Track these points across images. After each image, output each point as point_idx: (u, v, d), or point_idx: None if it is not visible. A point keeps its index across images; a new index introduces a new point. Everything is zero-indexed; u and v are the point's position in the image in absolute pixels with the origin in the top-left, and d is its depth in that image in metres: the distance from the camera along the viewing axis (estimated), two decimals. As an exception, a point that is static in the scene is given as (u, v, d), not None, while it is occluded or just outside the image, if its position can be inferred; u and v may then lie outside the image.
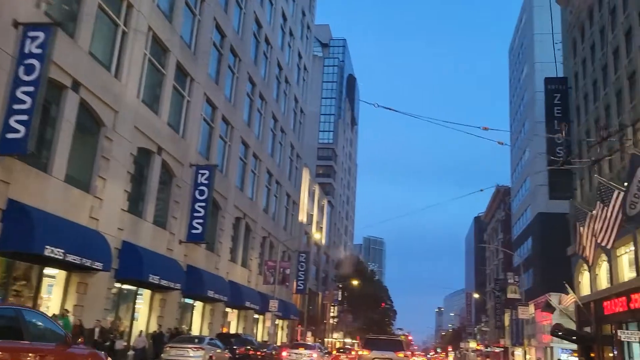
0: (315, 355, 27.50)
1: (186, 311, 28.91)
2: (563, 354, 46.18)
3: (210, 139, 30.71)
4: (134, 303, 23.53)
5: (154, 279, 21.77)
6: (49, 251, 15.59)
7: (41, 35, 15.21)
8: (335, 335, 78.97)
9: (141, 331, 22.50)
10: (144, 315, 24.07)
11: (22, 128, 14.65)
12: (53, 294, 18.24)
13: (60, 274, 18.27)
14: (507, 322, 68.85)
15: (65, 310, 17.59)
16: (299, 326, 54.77)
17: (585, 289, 38.91)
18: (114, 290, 21.15)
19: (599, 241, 25.82)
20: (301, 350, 28.29)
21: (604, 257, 34.57)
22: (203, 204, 26.91)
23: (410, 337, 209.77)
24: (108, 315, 20.62)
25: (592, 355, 35.52)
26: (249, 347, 26.78)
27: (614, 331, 31.81)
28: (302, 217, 59.87)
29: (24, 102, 14.82)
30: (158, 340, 22.55)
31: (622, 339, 27.13)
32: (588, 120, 37.82)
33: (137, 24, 21.71)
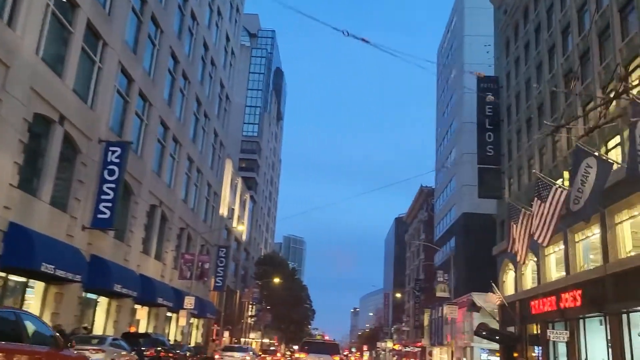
0: (248, 358, 26.87)
1: (88, 307, 25.39)
2: (483, 353, 46.20)
3: (124, 115, 27.30)
4: (23, 297, 19.94)
5: (47, 268, 18.39)
6: None
7: None
8: (252, 335, 76.20)
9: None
10: (34, 311, 20.46)
11: None
12: None
13: None
14: (426, 321, 69.11)
15: None
16: (215, 325, 51.66)
17: (509, 289, 38.78)
18: (-4, 281, 17.62)
19: (535, 238, 25.00)
20: (234, 354, 27.61)
21: (531, 256, 34.35)
22: (112, 186, 23.60)
23: (326, 337, 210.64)
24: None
25: (515, 355, 35.24)
26: (159, 349, 23.79)
27: (539, 331, 31.54)
28: (223, 210, 56.80)
29: None
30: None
31: (551, 339, 26.60)
32: (519, 119, 37.67)
33: (39, -34, 18.27)
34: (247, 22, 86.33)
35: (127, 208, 27.90)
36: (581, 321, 26.73)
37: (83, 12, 21.89)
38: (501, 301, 35.22)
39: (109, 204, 23.37)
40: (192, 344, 40.54)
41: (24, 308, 19.61)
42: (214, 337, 50.07)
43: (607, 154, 29.36)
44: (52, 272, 18.77)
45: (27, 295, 20.15)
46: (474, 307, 38.50)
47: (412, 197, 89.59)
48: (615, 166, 20.94)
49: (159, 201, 32.43)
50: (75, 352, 10.39)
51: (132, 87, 27.77)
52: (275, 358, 40.02)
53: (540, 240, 24.71)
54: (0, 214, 17.13)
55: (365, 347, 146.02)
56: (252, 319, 72.61)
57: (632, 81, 23.22)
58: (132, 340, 21.83)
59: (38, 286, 20.65)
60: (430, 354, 64.27)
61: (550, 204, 24.41)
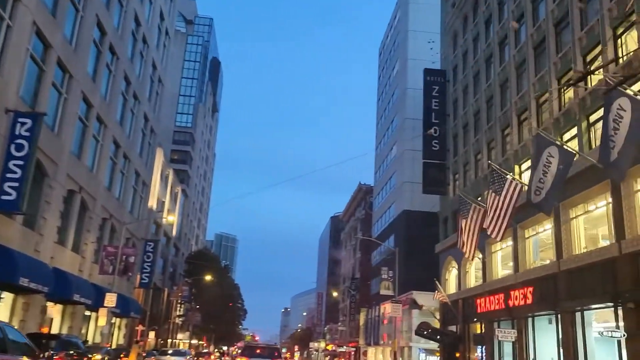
0: None
1: (-13, 305, 21.86)
2: (421, 354, 45.24)
3: (39, 84, 23.84)
4: None
5: None
6: None
7: None
8: (180, 336, 72.39)
9: None
10: None
11: None
12: None
13: None
14: (362, 321, 67.95)
15: None
16: (140, 326, 48.00)
17: (452, 287, 37.85)
18: None
19: (488, 232, 23.80)
20: (171, 358, 27.25)
21: (476, 253, 33.42)
22: (21, 163, 20.26)
23: (257, 338, 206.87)
24: None
25: (457, 355, 34.23)
26: (72, 352, 20.61)
27: (484, 330, 30.57)
28: (153, 202, 53.15)
29: None
30: None
31: (499, 338, 25.49)
32: (467, 113, 36.80)
33: None
34: (183, 8, 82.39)
35: (39, 192, 24.45)
36: (529, 320, 25.82)
37: (-12, -45, 18.56)
38: (445, 300, 34.14)
39: (16, 184, 20.03)
40: (114, 346, 37.12)
41: None
42: (138, 339, 46.48)
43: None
44: None
45: None
46: (415, 306, 37.30)
47: (349, 196, 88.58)
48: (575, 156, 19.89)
49: (78, 187, 28.96)
50: None
51: (50, 54, 24.33)
52: None
53: (493, 235, 23.54)
54: None
55: (296, 348, 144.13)
56: (181, 319, 68.90)
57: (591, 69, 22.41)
58: (39, 342, 18.62)
59: None
60: (365, 354, 63.11)
61: (505, 197, 23.27)
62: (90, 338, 33.10)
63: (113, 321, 38.18)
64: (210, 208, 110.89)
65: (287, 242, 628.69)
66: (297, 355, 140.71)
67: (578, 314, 21.75)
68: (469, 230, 27.30)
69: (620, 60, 20.48)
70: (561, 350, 22.82)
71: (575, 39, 23.32)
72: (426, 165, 39.59)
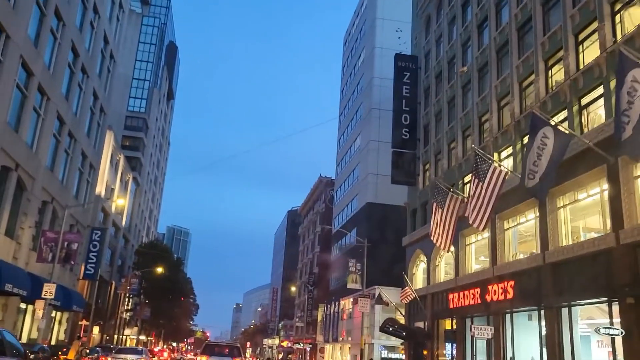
0: (143, 359, 26.34)
1: None
2: (383, 351, 43.61)
3: (-33, 40, 20.66)
4: None
5: None
6: None
7: None
8: (127, 331, 68.61)
9: None
10: None
11: None
12: None
13: None
14: (320, 317, 66.00)
15: None
16: (84, 320, 44.53)
17: (419, 282, 36.26)
18: None
19: (470, 222, 22.13)
20: (127, 356, 27.11)
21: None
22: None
23: (208, 334, 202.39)
24: None
25: (424, 352, 32.64)
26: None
27: (455, 326, 29.03)
28: (101, 189, 49.58)
29: None
30: None
31: (475, 335, 23.89)
32: (440, 100, 35.20)
33: None
34: (140, -13, 78.41)
35: (-35, 165, 21.25)
36: (507, 316, 24.31)
37: None
38: (411, 296, 32.44)
39: None
40: (53, 342, 33.82)
41: None
42: (81, 334, 43.06)
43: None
44: None
45: None
46: (380, 301, 35.53)
47: (306, 194, 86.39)
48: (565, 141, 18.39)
49: (14, 163, 25.71)
50: None
51: (-19, 6, 21.14)
52: (163, 358, 36.18)
53: (475, 224, 21.90)
54: None
55: (248, 344, 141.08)
56: (129, 314, 65.18)
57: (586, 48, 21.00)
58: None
59: None
60: (322, 350, 61.18)
61: (488, 183, 21.66)
62: (25, 333, 29.84)
63: (53, 315, 34.86)
64: (163, 199, 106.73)
65: (241, 239, 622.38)
66: (248, 352, 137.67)
67: (564, 310, 20.29)
68: (445, 220, 25.65)
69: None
70: (544, 348, 21.36)
71: (567, 16, 21.85)
72: (395, 154, 37.86)
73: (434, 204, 26.30)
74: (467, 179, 30.06)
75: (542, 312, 21.63)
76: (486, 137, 27.80)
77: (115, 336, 62.21)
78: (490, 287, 24.79)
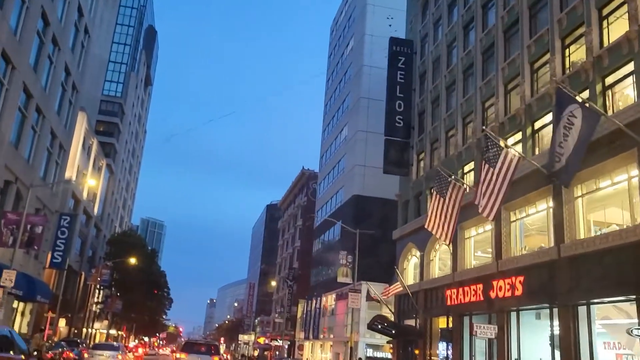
0: (119, 356, 26.81)
1: None
2: (368, 349, 41.67)
3: None
4: None
5: None
6: None
7: None
8: (97, 325, 65.51)
9: None
10: None
11: None
12: None
13: None
14: (300, 313, 63.89)
15: None
16: (50, 312, 41.65)
17: (410, 277, 34.39)
18: None
19: (480, 210, 20.21)
20: (104, 352, 27.31)
21: (442, 241, 30.00)
22: None
23: (181, 329, 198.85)
24: None
25: (416, 352, 30.75)
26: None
27: (452, 324, 27.20)
28: (72, 173, 46.63)
29: None
30: None
31: (478, 335, 22.04)
32: (437, 86, 33.31)
33: None
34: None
35: None
36: (513, 314, 22.50)
37: None
38: (403, 291, 30.52)
39: None
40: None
41: None
42: (47, 327, 40.24)
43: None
44: None
45: None
46: (368, 297, 33.59)
47: (285, 191, 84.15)
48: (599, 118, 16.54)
49: (-29, 135, 23.00)
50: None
51: None
52: (137, 354, 35.75)
53: (485, 213, 20.00)
54: None
55: (222, 340, 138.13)
56: (99, 306, 62.14)
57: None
58: None
59: None
60: (301, 348, 59.08)
61: (500, 169, 19.75)
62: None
63: (15, 306, 32.06)
64: (138, 189, 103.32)
65: (217, 234, 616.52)
66: (222, 347, 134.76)
67: (582, 308, 18.52)
68: (447, 210, 23.72)
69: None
70: (556, 350, 19.57)
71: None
72: (388, 143, 35.88)
73: (434, 192, 24.37)
74: (467, 168, 28.27)
75: (555, 310, 19.84)
76: (491, 123, 25.94)
77: (84, 330, 59.19)
78: (495, 282, 22.94)
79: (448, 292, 27.04)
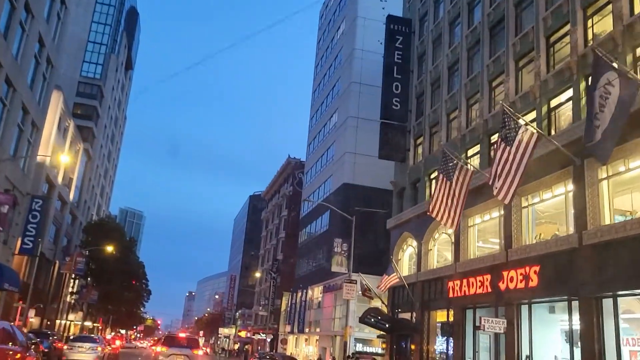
0: (99, 348, 27.05)
1: None
2: (357, 344, 39.88)
3: None
4: None
5: None
6: None
7: None
8: (72, 316, 62.80)
9: None
10: None
11: None
12: None
13: None
14: (284, 306, 61.93)
15: None
16: (20, 302, 39.10)
17: (404, 268, 32.61)
18: None
19: (494, 192, 18.43)
20: (84, 344, 27.43)
21: (441, 229, 28.30)
22: None
23: (159, 322, 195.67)
24: None
25: (412, 347, 29.01)
26: None
27: (453, 318, 25.49)
28: (46, 154, 43.92)
29: None
30: None
31: (486, 329, 20.30)
32: (438, 67, 31.49)
33: None
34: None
35: None
36: (524, 307, 20.80)
37: None
38: (400, 282, 28.71)
39: None
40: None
41: None
42: (17, 318, 37.73)
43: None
44: None
45: None
46: (368, 291, 31.74)
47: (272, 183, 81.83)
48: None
49: None
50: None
51: None
52: (115, 346, 36.19)
53: (500, 196, 18.22)
54: None
55: (201, 333, 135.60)
56: (74, 297, 59.45)
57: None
58: None
59: None
60: (284, 342, 57.13)
61: (518, 148, 17.97)
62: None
63: (-22, 294, 29.63)
64: (117, 178, 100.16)
65: (198, 227, 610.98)
66: (201, 340, 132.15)
67: (607, 301, 16.83)
68: (453, 194, 21.87)
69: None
70: (575, 347, 17.88)
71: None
72: (384, 127, 33.97)
73: (440, 175, 22.50)
74: (471, 151, 26.53)
75: (574, 303, 18.16)
76: (501, 102, 24.17)
77: (58, 321, 56.52)
78: (505, 273, 21.20)
79: (450, 284, 25.27)
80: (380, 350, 38.41)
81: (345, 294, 28.94)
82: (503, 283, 21.27)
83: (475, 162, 25.64)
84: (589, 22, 19.74)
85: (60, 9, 37.64)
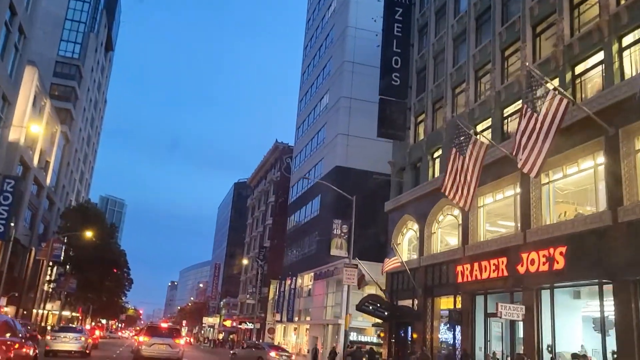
0: (83, 338, 27.25)
1: None
2: (352, 332, 38.01)
3: None
4: None
5: None
6: None
7: None
8: (49, 306, 60.20)
9: None
10: None
11: None
12: None
13: None
14: (272, 295, 59.98)
15: None
16: (-7, 291, 36.59)
17: (404, 253, 30.78)
18: None
19: (519, 165, 16.59)
20: (68, 334, 27.25)
21: (449, 209, 26.52)
22: None
23: (140, 312, 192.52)
24: None
25: (414, 336, 27.27)
26: None
27: (461, 305, 23.75)
28: (19, 135, 41.27)
29: None
30: None
31: (503, 316, 18.60)
32: (442, 38, 29.54)
33: None
34: None
35: None
36: (545, 292, 19.07)
37: None
38: (401, 267, 26.86)
39: None
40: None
41: None
42: (-13, 307, 35.26)
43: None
44: None
45: None
46: (364, 279, 29.85)
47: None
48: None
49: None
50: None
51: None
52: (95, 336, 36.11)
53: (526, 169, 16.44)
54: None
55: (184, 323, 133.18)
56: (51, 285, 56.83)
57: None
58: None
59: None
60: (271, 331, 55.19)
61: (546, 115, 16.15)
62: None
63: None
64: (97, 165, 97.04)
65: (181, 217, 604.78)
66: (184, 330, 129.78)
67: (647, 285, 15.14)
68: (467, 170, 19.98)
69: None
70: (607, 337, 16.19)
71: None
72: (383, 103, 31.99)
73: (454, 150, 20.59)
74: (480, 126, 24.64)
75: (606, 287, 16.47)
76: (515, 72, 22.32)
77: (34, 311, 53.96)
78: (524, 255, 19.42)
79: (459, 268, 23.48)
80: (375, 340, 36.71)
81: (345, 279, 27.01)
82: (522, 266, 19.50)
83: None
84: (622, -21, 17.88)
85: (35, -26, 34.97)
